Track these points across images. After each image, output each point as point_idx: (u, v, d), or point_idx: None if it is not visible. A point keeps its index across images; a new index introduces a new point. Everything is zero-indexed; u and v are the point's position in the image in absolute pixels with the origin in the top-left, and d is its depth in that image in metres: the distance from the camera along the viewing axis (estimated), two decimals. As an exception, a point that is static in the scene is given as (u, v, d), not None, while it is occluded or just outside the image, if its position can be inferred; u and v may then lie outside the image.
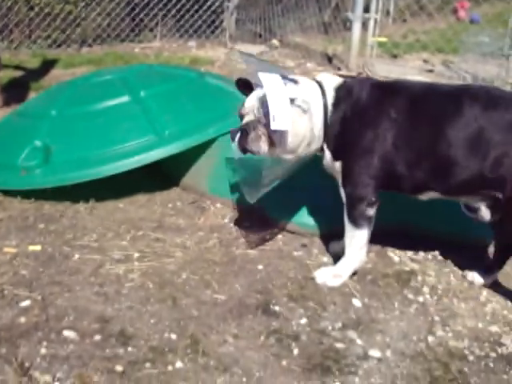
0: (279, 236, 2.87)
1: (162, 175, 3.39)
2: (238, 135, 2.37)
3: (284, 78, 2.35)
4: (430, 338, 2.23)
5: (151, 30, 8.23)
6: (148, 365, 1.97)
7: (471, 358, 2.15)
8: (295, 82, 2.39)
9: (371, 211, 2.42)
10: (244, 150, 2.38)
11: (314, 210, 2.84)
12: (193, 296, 2.36)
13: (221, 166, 3.11)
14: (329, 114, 2.41)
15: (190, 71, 3.86)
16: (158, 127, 3.12)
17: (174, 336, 2.12)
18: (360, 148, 2.37)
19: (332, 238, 2.76)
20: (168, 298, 2.33)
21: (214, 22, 8.31)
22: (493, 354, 2.18)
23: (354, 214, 2.43)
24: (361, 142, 2.36)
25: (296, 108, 2.33)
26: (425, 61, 7.85)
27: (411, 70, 7.06)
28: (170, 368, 1.97)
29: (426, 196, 2.49)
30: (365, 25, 6.60)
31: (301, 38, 7.98)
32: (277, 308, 2.32)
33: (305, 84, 2.42)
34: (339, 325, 2.25)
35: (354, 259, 2.50)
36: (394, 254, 2.77)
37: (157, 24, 8.18)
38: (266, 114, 2.27)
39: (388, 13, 9.99)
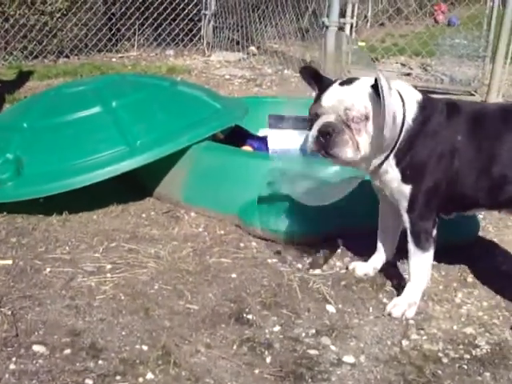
0: (253, 244, 2.86)
1: (137, 185, 3.36)
2: (315, 135, 2.21)
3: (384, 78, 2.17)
4: (405, 342, 2.23)
5: (129, 39, 8.20)
6: (118, 377, 1.95)
7: (445, 360, 2.15)
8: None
9: (435, 231, 2.36)
10: (322, 153, 2.24)
11: (288, 217, 2.83)
12: (165, 306, 2.34)
13: (194, 174, 3.11)
14: (405, 128, 2.25)
15: (163, 80, 3.85)
16: (129, 137, 3.10)
17: (145, 347, 2.10)
18: (435, 172, 2.27)
19: (308, 244, 2.77)
20: (140, 310, 2.31)
21: (191, 30, 8.29)
22: (467, 356, 2.17)
23: (421, 238, 2.34)
24: (437, 165, 2.27)
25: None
26: (402, 64, 7.90)
27: (388, 74, 7.09)
28: (140, 380, 1.94)
29: (472, 212, 2.52)
30: (342, 30, 6.60)
31: (279, 45, 7.99)
32: (250, 316, 2.30)
33: (394, 91, 2.24)
34: (313, 331, 2.24)
35: (422, 282, 2.41)
36: (370, 258, 2.75)
37: (134, 33, 8.16)
38: (376, 123, 2.15)
39: (365, 17, 10.05)
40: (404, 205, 2.33)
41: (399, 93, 2.26)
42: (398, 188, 2.32)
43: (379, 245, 2.65)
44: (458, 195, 2.33)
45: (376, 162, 2.28)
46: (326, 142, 2.19)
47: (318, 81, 2.34)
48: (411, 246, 2.37)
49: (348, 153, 2.19)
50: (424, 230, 2.34)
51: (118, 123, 3.18)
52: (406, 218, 2.35)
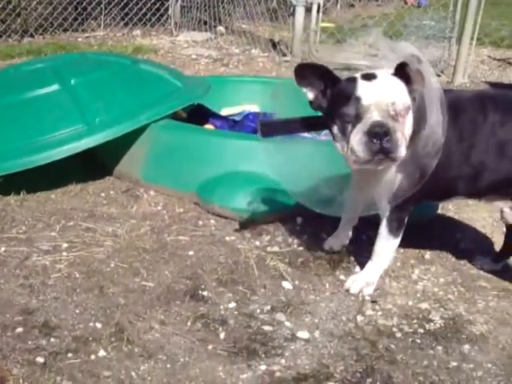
0: (212, 221, 2.85)
1: (97, 164, 3.33)
2: (365, 140, 1.98)
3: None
4: (360, 318, 2.24)
5: (95, 18, 8.09)
6: (70, 355, 1.94)
7: (399, 335, 2.17)
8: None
9: (407, 218, 2.36)
10: (383, 158, 2.01)
11: (247, 196, 2.82)
12: (121, 284, 2.32)
13: (154, 152, 3.08)
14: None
15: (124, 58, 3.81)
16: (88, 115, 3.07)
17: (99, 325, 2.09)
18: (423, 162, 2.16)
19: (267, 222, 2.77)
20: (95, 288, 2.29)
21: (158, 9, 8.21)
22: (421, 331, 2.20)
23: (395, 224, 2.32)
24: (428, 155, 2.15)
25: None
26: (370, 46, 7.90)
27: (355, 55, 7.09)
28: (92, 357, 1.93)
29: (452, 200, 2.52)
30: (309, 10, 6.59)
31: (247, 25, 7.95)
32: (205, 293, 2.30)
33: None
34: (268, 308, 2.25)
35: (383, 264, 2.42)
36: (328, 236, 2.76)
37: (100, 12, 8.04)
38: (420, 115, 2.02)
39: (336, -2, 10.04)
40: (387, 194, 2.25)
41: None
42: (387, 177, 2.21)
43: (341, 226, 2.65)
44: (441, 185, 2.30)
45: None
46: (382, 144, 1.97)
47: (326, 79, 2.13)
48: (384, 231, 2.35)
49: (403, 151, 2.02)
50: (400, 217, 2.33)
51: (77, 101, 3.14)
52: (385, 206, 2.29)
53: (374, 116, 1.98)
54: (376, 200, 2.33)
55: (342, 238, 2.68)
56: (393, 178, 2.20)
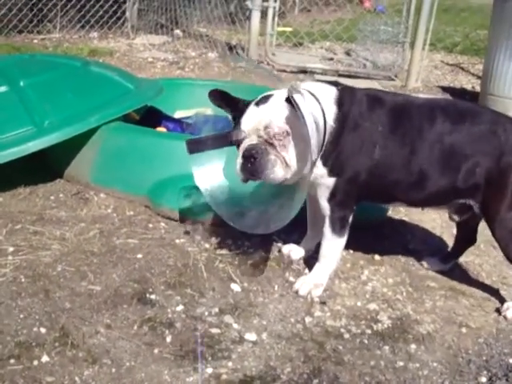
0: (162, 224, 2.83)
1: (46, 167, 3.28)
2: (240, 162, 2.15)
3: (295, 90, 2.12)
4: (308, 319, 2.25)
5: (51, 20, 7.97)
6: (12, 361, 1.90)
7: (347, 336, 2.18)
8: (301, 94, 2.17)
9: (351, 218, 2.38)
10: (254, 178, 2.19)
11: (198, 198, 2.81)
12: (67, 288, 2.29)
13: (104, 155, 3.05)
14: (328, 130, 2.22)
15: (74, 60, 3.76)
16: (37, 117, 3.02)
17: (43, 330, 2.05)
18: (357, 163, 2.28)
19: (217, 225, 2.76)
20: (40, 292, 2.25)
21: (116, 12, 8.14)
22: (368, 331, 2.22)
23: (338, 224, 2.36)
24: (359, 157, 2.27)
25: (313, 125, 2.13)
26: (326, 50, 7.97)
27: (311, 59, 7.16)
28: (35, 363, 1.90)
29: (393, 205, 2.59)
30: (266, 14, 6.63)
31: (205, 29, 7.94)
32: (153, 296, 2.28)
33: (309, 96, 2.20)
34: (216, 310, 2.24)
35: (331, 265, 2.44)
36: (278, 238, 2.77)
37: (56, 14, 7.93)
38: (299, 135, 2.11)
39: (294, 3, 10.08)
40: (325, 194, 2.34)
41: (314, 94, 2.21)
42: (321, 182, 2.31)
43: (309, 228, 2.66)
44: (378, 187, 2.35)
45: (307, 170, 2.21)
46: (252, 166, 2.13)
47: (229, 103, 2.29)
48: (327, 231, 2.39)
49: (279, 172, 2.14)
50: (342, 216, 2.36)
51: (26, 103, 3.09)
52: (326, 206, 2.36)
53: (250, 141, 2.16)
54: (318, 200, 2.38)
55: (306, 243, 2.69)
56: (326, 180, 2.30)
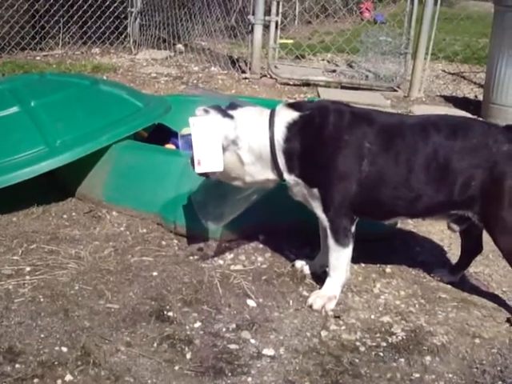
0: (175, 241, 2.86)
1: (58, 186, 3.31)
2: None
3: (222, 112, 2.36)
4: (324, 333, 2.28)
5: (53, 37, 8.03)
6: (36, 380, 1.93)
7: (362, 348, 2.21)
8: (231, 117, 2.38)
9: (353, 228, 2.43)
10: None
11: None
12: (85, 307, 2.32)
13: (115, 173, 3.09)
14: (280, 146, 2.38)
15: (84, 79, 3.80)
16: (49, 137, 3.06)
17: (64, 349, 2.08)
18: (341, 175, 2.36)
19: (229, 240, 2.79)
20: (60, 311, 2.29)
21: (117, 28, 8.21)
22: (383, 344, 2.25)
23: (339, 235, 2.41)
24: (341, 168, 2.35)
25: (229, 146, 2.36)
26: (328, 61, 8.02)
27: (314, 71, 7.21)
28: (59, 382, 1.92)
29: (394, 220, 2.68)
30: (268, 28, 6.68)
31: (207, 43, 8.00)
32: (171, 314, 2.31)
33: (242, 118, 2.40)
34: (233, 326, 2.27)
35: (342, 277, 2.47)
36: (290, 253, 2.81)
37: (59, 31, 8.00)
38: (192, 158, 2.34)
39: (294, 15, 10.16)
40: (319, 205, 2.42)
41: (271, 117, 2.40)
42: (308, 192, 2.42)
43: (322, 243, 2.68)
44: (376, 202, 2.41)
45: (260, 178, 2.45)
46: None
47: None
48: (331, 243, 2.43)
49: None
50: (343, 226, 2.41)
51: (37, 123, 3.13)
52: (323, 217, 2.43)
53: None
54: (316, 213, 2.47)
55: (316, 263, 2.72)
56: (310, 190, 2.41)
